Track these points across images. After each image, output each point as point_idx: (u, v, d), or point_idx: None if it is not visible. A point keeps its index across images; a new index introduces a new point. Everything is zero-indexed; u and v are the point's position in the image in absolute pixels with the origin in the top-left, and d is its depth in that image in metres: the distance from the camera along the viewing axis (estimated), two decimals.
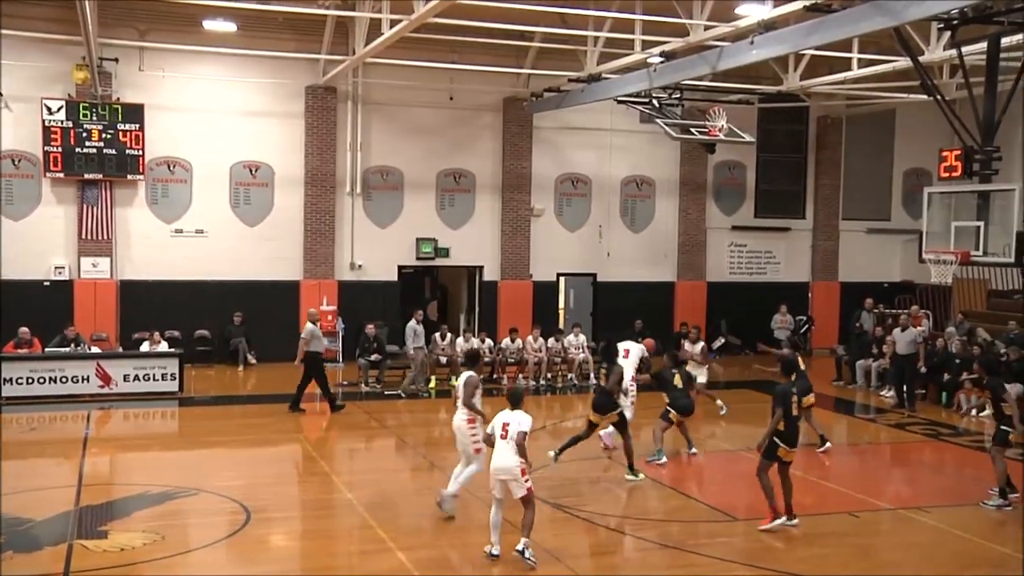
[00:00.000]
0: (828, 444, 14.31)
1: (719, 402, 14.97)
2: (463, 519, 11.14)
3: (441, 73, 22.07)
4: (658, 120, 19.81)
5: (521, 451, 9.33)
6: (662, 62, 17.25)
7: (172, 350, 19.17)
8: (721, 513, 11.28)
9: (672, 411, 13.71)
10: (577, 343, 20.92)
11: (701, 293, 25.27)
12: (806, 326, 25.10)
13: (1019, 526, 11.11)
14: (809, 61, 20.61)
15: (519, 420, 9.48)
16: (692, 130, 19.79)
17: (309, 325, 17.23)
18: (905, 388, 18.45)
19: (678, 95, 20.49)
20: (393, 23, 15.92)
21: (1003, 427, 11.74)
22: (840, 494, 12.46)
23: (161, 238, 21.64)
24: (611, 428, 13.06)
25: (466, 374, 11.06)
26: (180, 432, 16.76)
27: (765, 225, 26.47)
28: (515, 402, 9.70)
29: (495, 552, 9.46)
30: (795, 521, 10.63)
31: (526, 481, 9.42)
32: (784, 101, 23.65)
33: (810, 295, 26.62)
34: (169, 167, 21.71)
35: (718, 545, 10.09)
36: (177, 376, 18.35)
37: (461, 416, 10.91)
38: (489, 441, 9.83)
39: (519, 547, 9.37)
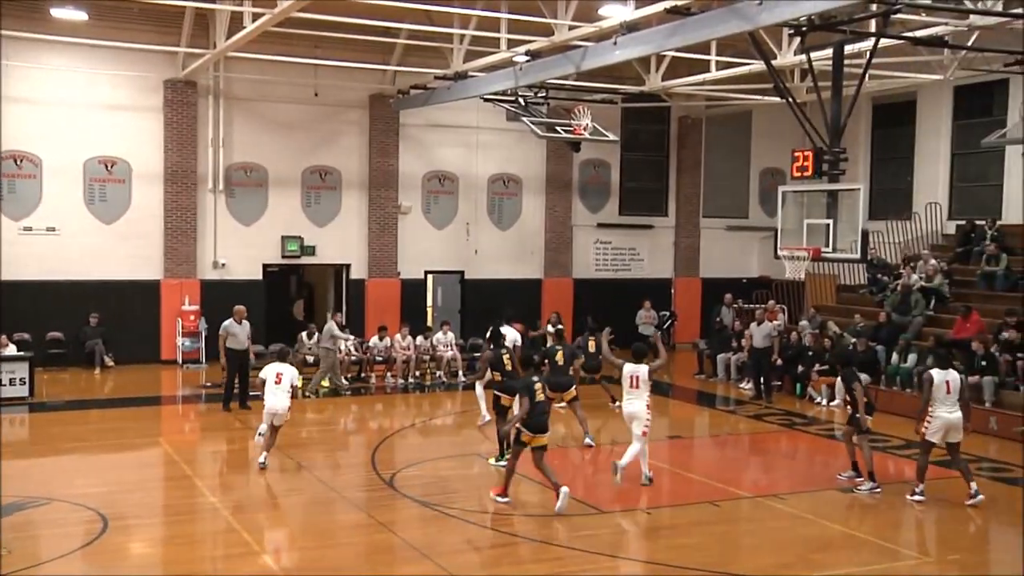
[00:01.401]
0: (590, 440, 14.38)
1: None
2: (329, 521, 11.03)
3: (305, 69, 21.72)
4: (524, 118, 19.99)
5: None
6: (527, 61, 17.42)
7: (21, 353, 18.26)
8: (587, 506, 11.48)
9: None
10: (446, 341, 20.94)
11: (568, 290, 25.64)
12: (669, 321, 25.79)
13: (867, 510, 11.71)
14: (670, 62, 21.18)
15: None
16: (558, 128, 20.05)
17: (226, 321, 16.82)
18: (762, 380, 19.17)
19: (544, 94, 20.73)
20: (255, 16, 15.59)
21: (856, 415, 12.33)
22: (701, 484, 12.87)
23: (8, 236, 20.58)
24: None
25: (641, 366, 12.06)
26: (31, 439, 15.99)
27: (629, 223, 27.04)
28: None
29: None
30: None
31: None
32: (646, 101, 24.22)
33: (673, 291, 27.33)
34: (16, 161, 20.69)
35: (584, 538, 10.27)
36: (27, 380, 17.51)
37: (643, 403, 11.94)
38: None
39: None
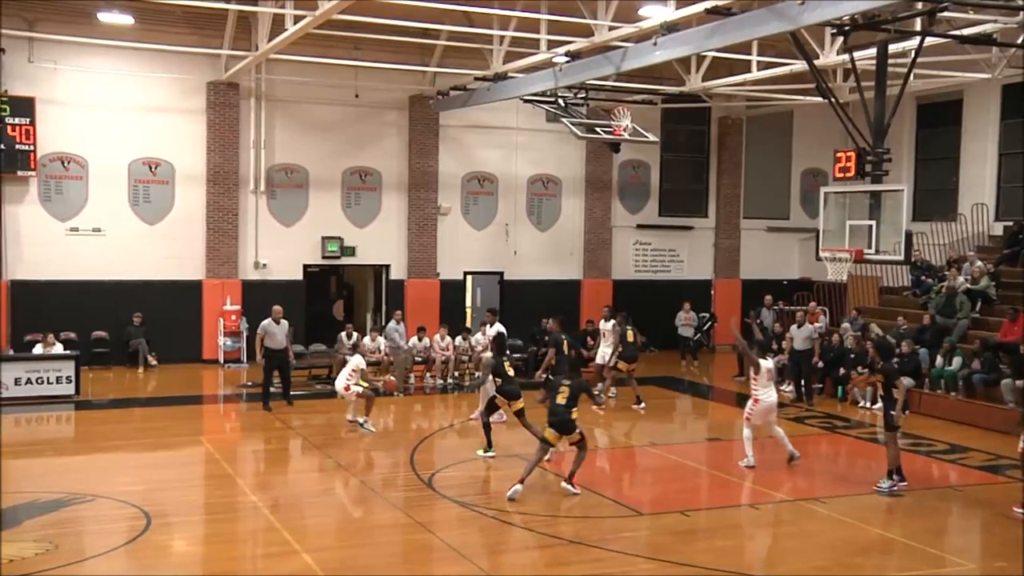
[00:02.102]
0: (489, 454, 13.89)
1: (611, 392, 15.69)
2: (368, 520, 11.08)
3: (346, 70, 21.86)
4: (564, 119, 19.96)
5: None
6: (567, 62, 17.39)
7: (68, 352, 18.55)
8: (625, 507, 11.44)
9: None
10: (484, 341, 20.89)
11: (607, 291, 25.55)
12: (709, 323, 25.62)
13: (910, 515, 11.55)
14: (710, 63, 21.05)
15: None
16: (597, 129, 19.98)
17: (264, 320, 17.11)
18: (803, 382, 18.97)
19: (583, 95, 20.70)
20: (297, 19, 15.71)
21: (891, 412, 12.14)
22: (740, 486, 12.76)
23: (55, 237, 20.93)
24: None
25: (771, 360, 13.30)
26: (76, 436, 16.24)
27: (669, 224, 26.91)
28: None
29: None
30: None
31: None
32: (686, 102, 24.08)
33: (713, 292, 27.16)
34: (63, 163, 21.03)
35: (622, 540, 10.24)
36: (73, 379, 17.76)
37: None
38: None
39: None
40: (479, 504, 11.41)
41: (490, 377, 13.96)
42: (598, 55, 16.81)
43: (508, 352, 14.43)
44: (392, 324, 19.87)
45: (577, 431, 11.86)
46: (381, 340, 19.73)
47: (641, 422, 16.75)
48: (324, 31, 17.39)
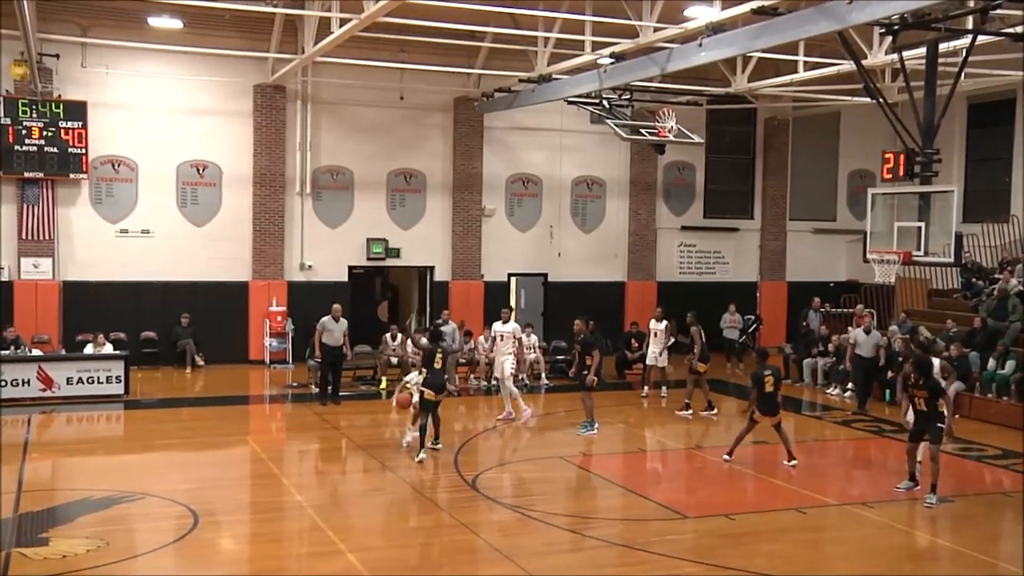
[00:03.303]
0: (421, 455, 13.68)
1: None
2: (412, 520, 11.13)
3: (391, 72, 21.98)
4: (608, 121, 19.91)
5: None
6: (612, 63, 17.35)
7: (117, 352, 18.83)
8: (671, 511, 11.37)
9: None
10: (529, 343, 20.91)
11: (651, 293, 25.43)
12: (754, 325, 25.40)
13: (962, 522, 11.36)
14: (756, 63, 20.86)
15: None
16: (642, 131, 19.90)
17: (324, 317, 17.58)
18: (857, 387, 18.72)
19: (628, 96, 20.62)
20: (343, 22, 15.83)
21: (939, 424, 11.90)
22: (787, 490, 12.62)
23: (106, 238, 21.28)
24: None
25: None
26: (125, 435, 16.48)
27: (714, 225, 26.73)
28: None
29: None
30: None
31: None
32: (732, 103, 23.90)
33: (758, 294, 26.94)
34: (114, 166, 21.37)
35: (667, 543, 10.17)
36: (123, 378, 18.03)
37: None
38: None
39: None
40: (523, 506, 11.41)
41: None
42: (643, 56, 16.74)
43: (442, 344, 14.42)
44: (452, 326, 19.79)
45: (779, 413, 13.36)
46: (423, 339, 19.80)
47: (686, 425, 16.64)
48: (369, 34, 17.49)
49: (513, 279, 25.12)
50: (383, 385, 19.43)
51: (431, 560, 9.82)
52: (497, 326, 17.66)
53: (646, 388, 19.23)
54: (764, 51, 17.16)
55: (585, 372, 15.40)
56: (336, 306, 17.99)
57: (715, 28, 14.10)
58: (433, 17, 16.98)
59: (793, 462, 13.40)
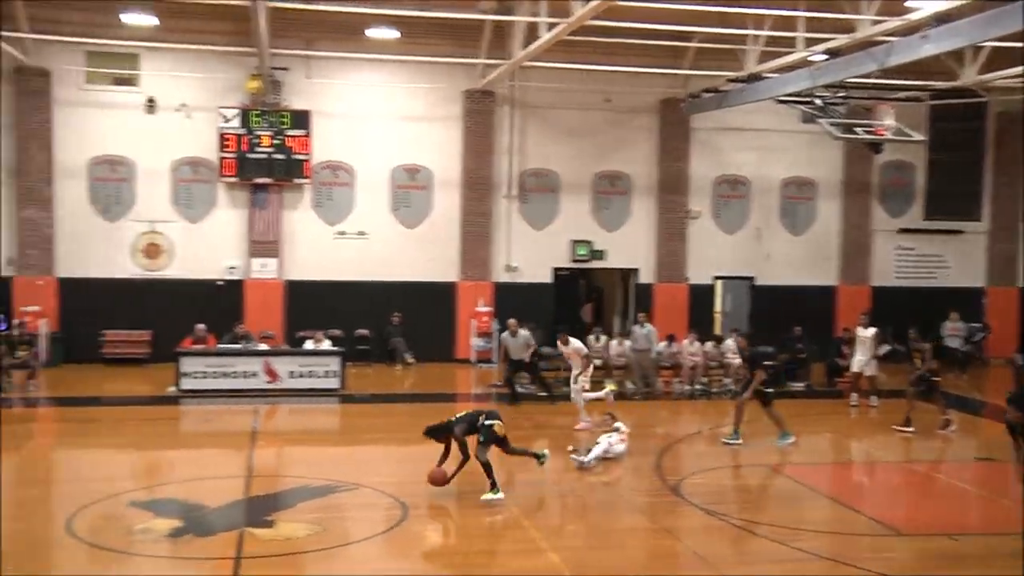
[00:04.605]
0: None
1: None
2: (612, 523, 11.10)
3: (597, 75, 22.04)
4: (820, 120, 19.18)
5: None
6: (826, 60, 16.70)
7: (335, 348, 19.78)
8: (884, 526, 10.82)
9: None
10: (735, 348, 20.45)
11: (865, 297, 24.32)
12: (981, 334, 23.81)
13: None
14: (988, 54, 19.55)
15: None
16: (856, 130, 19.07)
17: (503, 333, 18.29)
18: None
19: (842, 93, 19.77)
20: (551, 26, 16.01)
21: None
22: (1015, 511, 11.73)
23: (324, 240, 22.44)
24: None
25: None
26: (340, 428, 17.33)
27: (935, 228, 25.26)
28: None
29: None
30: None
31: None
32: (959, 97, 22.45)
33: (985, 301, 25.25)
34: (333, 171, 22.50)
35: (881, 560, 9.67)
36: (339, 374, 18.93)
37: None
38: None
39: None
40: (727, 514, 11.15)
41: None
42: (859, 52, 16.02)
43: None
44: (641, 327, 19.90)
45: None
46: (627, 343, 19.79)
47: (900, 437, 15.79)
48: (576, 37, 17.61)
49: (719, 283, 24.66)
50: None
51: (632, 563, 9.74)
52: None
53: (855, 396, 18.41)
54: (996, 40, 16.04)
55: (759, 386, 14.94)
56: (511, 321, 18.13)
57: (940, 19, 13.33)
58: (640, 18, 16.90)
59: None
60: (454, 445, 11.68)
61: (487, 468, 11.36)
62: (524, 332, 17.96)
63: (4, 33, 18.87)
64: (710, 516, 11.10)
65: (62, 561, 9.42)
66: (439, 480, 11.49)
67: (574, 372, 16.11)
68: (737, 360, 20.10)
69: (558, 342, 16.66)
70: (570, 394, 16.17)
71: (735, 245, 24.36)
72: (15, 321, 20.04)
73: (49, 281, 21.29)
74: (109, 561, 9.20)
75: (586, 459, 13.12)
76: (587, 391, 15.88)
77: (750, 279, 24.54)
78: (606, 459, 13.37)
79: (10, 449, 13.96)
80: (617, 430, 13.90)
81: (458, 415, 11.84)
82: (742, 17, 18.25)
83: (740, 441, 14.64)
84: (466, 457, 11.63)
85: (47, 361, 20.51)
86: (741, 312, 24.56)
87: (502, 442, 11.83)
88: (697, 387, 19.84)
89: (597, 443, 13.47)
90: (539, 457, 12.40)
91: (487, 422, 11.61)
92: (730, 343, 20.47)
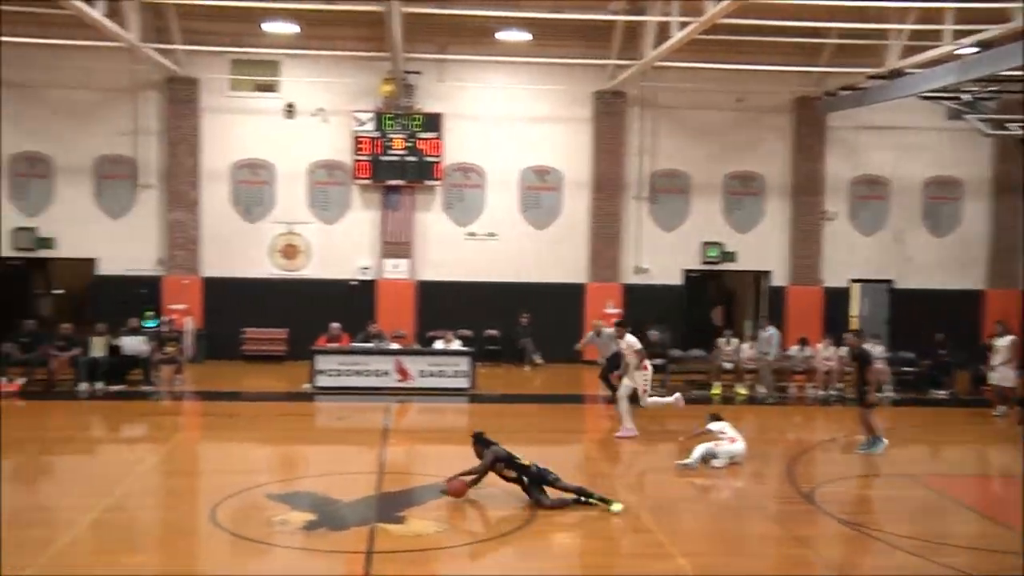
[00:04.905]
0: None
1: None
2: (741, 529, 10.88)
3: (728, 74, 21.67)
4: (968, 116, 18.38)
5: None
6: (975, 53, 15.97)
7: (464, 348, 20.02)
8: None
9: None
10: (874, 354, 19.77)
11: (1015, 302, 23.16)
12: None
13: None
14: None
15: None
16: (1008, 126, 18.19)
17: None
18: None
19: (993, 88, 18.89)
20: (682, 25, 15.82)
21: None
22: None
23: (455, 241, 22.75)
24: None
25: None
26: (470, 427, 17.42)
27: None
28: None
29: None
30: None
31: None
32: None
33: None
34: (464, 173, 22.79)
35: None
36: (468, 373, 19.14)
37: None
38: None
39: None
40: (864, 524, 10.79)
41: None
42: (1013, 43, 15.24)
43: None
44: (762, 331, 19.60)
45: None
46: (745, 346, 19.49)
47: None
48: (707, 36, 17.35)
49: (856, 286, 23.90)
50: (715, 391, 19.24)
51: (762, 570, 9.53)
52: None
53: (1003, 408, 17.60)
54: None
55: (866, 388, 14.35)
56: (595, 322, 18.80)
57: None
58: (773, 15, 16.53)
59: None
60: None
61: (581, 492, 11.16)
62: (607, 330, 17.64)
63: (159, 46, 19.85)
64: (846, 526, 10.75)
65: (208, 550, 9.81)
66: (459, 492, 11.35)
67: (631, 370, 15.17)
68: (878, 366, 19.50)
69: (615, 336, 15.92)
70: (646, 400, 15.22)
71: (873, 247, 23.59)
72: (164, 319, 21.04)
73: (194, 280, 22.26)
74: (250, 551, 9.54)
75: (689, 460, 12.96)
76: (649, 394, 15.24)
77: (888, 282, 23.70)
78: (733, 464, 13.11)
79: (159, 440, 14.71)
80: (717, 433, 13.53)
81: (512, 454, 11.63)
82: (880, 11, 17.62)
83: (886, 442, 14.20)
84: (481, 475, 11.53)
85: (192, 357, 21.47)
86: (879, 317, 23.73)
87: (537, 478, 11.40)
88: (832, 392, 19.26)
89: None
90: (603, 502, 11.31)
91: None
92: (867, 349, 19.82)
